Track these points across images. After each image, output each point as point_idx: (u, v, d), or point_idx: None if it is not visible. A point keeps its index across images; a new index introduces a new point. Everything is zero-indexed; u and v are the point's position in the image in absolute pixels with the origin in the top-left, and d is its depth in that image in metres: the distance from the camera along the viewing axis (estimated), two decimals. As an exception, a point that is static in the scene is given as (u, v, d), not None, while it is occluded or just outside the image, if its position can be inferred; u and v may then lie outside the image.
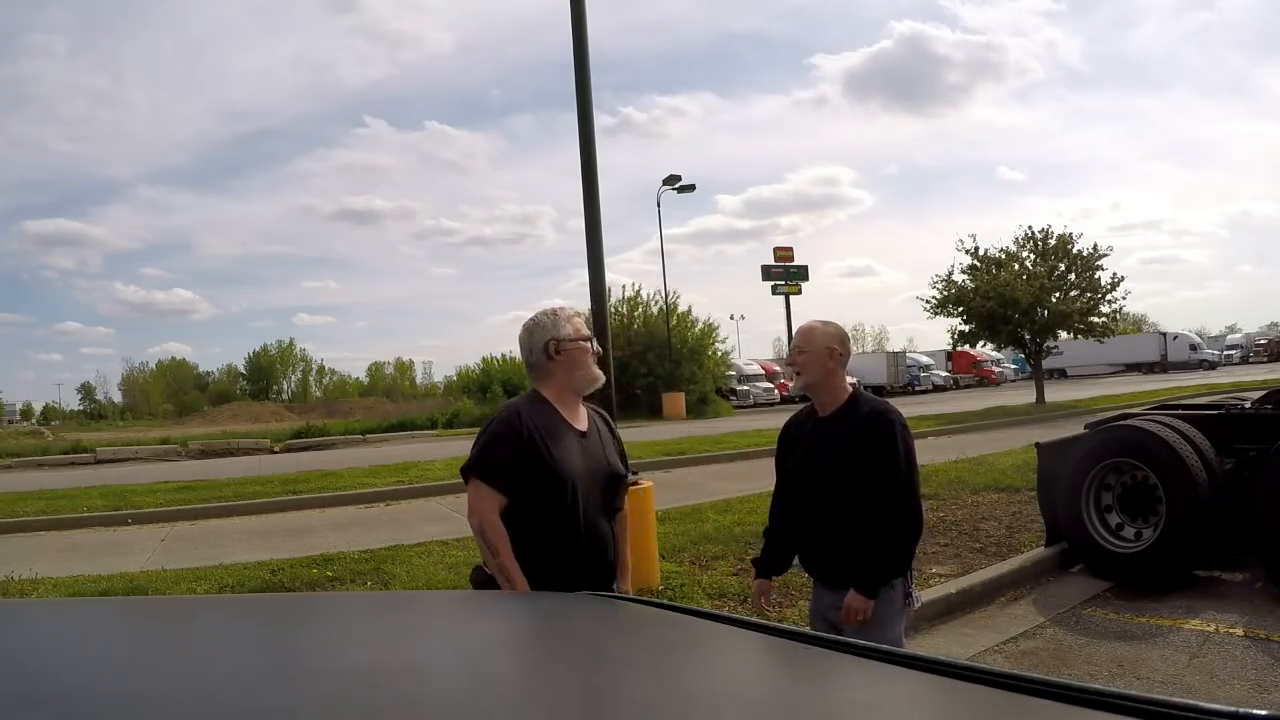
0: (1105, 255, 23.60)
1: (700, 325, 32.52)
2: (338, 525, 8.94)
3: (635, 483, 5.43)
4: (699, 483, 10.77)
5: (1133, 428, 5.48)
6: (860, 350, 76.26)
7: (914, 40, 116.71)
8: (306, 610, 1.40)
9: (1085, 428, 6.06)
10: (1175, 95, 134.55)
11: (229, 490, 11.44)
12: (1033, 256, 24.05)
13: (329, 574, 6.08)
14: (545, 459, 2.19)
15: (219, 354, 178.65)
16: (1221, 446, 5.30)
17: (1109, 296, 23.38)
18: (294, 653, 0.95)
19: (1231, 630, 4.35)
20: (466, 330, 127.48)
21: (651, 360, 30.12)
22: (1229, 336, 58.15)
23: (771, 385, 37.33)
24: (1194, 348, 48.04)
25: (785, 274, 32.54)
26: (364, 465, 13.89)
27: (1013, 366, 47.83)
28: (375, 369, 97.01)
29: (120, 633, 1.08)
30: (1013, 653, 4.34)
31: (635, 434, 17.95)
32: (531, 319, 2.39)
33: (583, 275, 5.98)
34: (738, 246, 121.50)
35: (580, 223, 5.86)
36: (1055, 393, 25.77)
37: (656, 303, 31.93)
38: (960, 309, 23.84)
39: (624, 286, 32.90)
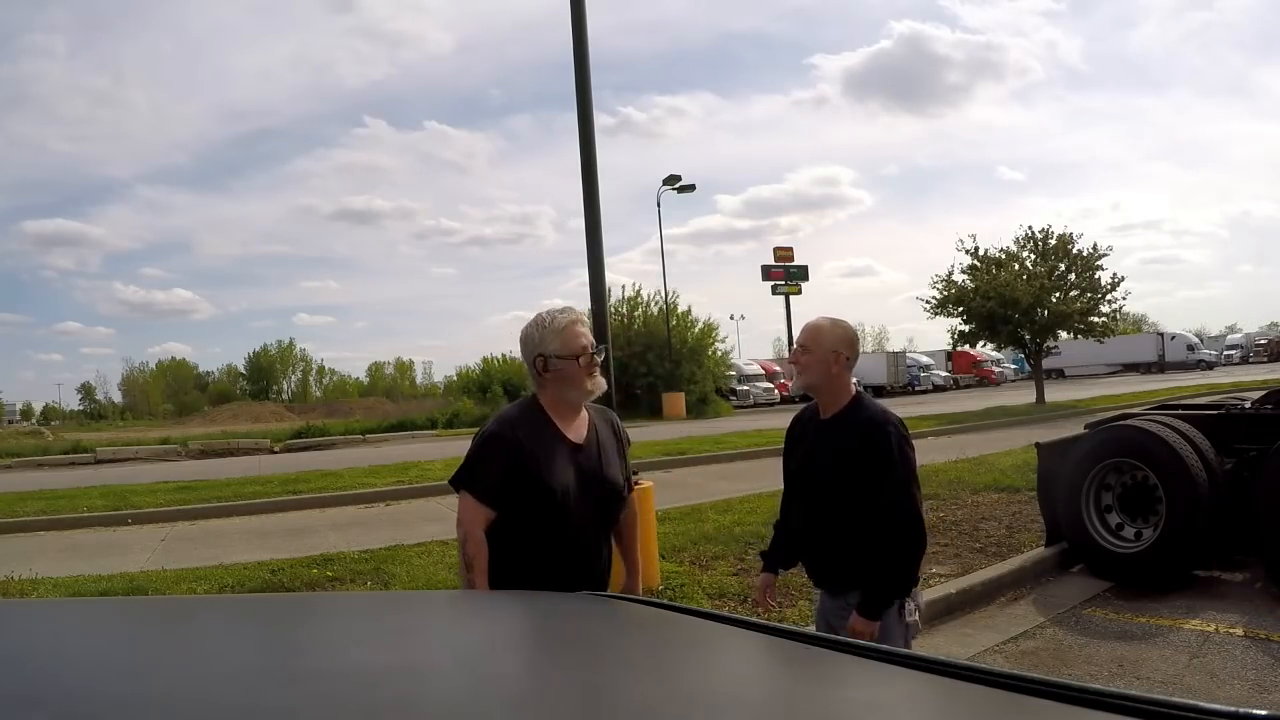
0: (1105, 255, 23.64)
1: (700, 325, 32.54)
2: (338, 525, 8.94)
3: (636, 483, 5.43)
4: (699, 483, 10.77)
5: (1133, 428, 5.48)
6: (860, 350, 76.28)
7: (914, 40, 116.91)
8: (306, 610, 1.40)
9: (1085, 428, 6.05)
10: (1175, 95, 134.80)
11: (229, 490, 11.43)
12: (1033, 256, 24.05)
13: (329, 574, 6.08)
14: (534, 473, 2.14)
15: (219, 354, 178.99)
16: (1221, 446, 5.29)
17: (1109, 296, 23.39)
18: (294, 653, 0.95)
19: (1231, 630, 4.35)
20: (466, 330, 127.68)
21: (651, 360, 30.12)
22: (1229, 336, 58.18)
23: (771, 385, 37.33)
24: (1191, 348, 48.11)
25: (785, 274, 32.55)
26: (364, 465, 13.89)
27: (1012, 366, 47.85)
28: (375, 369, 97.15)
29: (120, 633, 1.08)
30: (1013, 653, 4.34)
31: (635, 434, 17.79)
32: (525, 328, 2.29)
33: (583, 275, 5.99)
34: (737, 246, 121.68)
35: (580, 223, 5.87)
36: (1055, 393, 25.77)
37: (656, 303, 31.95)
38: (960, 309, 23.85)
39: (624, 286, 32.95)
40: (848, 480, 2.39)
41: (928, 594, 4.99)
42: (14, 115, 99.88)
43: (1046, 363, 26.06)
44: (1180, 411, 5.92)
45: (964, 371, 46.98)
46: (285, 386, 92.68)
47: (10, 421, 61.77)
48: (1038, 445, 6.19)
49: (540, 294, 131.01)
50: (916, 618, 2.44)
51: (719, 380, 33.56)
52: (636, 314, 31.87)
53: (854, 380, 2.60)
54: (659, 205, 30.23)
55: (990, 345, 27.78)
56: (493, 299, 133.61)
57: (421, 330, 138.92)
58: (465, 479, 2.19)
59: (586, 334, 2.27)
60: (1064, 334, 25.23)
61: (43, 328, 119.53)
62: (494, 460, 2.17)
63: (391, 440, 23.73)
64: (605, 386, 2.33)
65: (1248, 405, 5.91)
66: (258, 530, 8.90)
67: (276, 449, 22.18)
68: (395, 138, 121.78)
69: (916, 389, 42.87)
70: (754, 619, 1.14)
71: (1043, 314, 23.15)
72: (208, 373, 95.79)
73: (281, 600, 2.60)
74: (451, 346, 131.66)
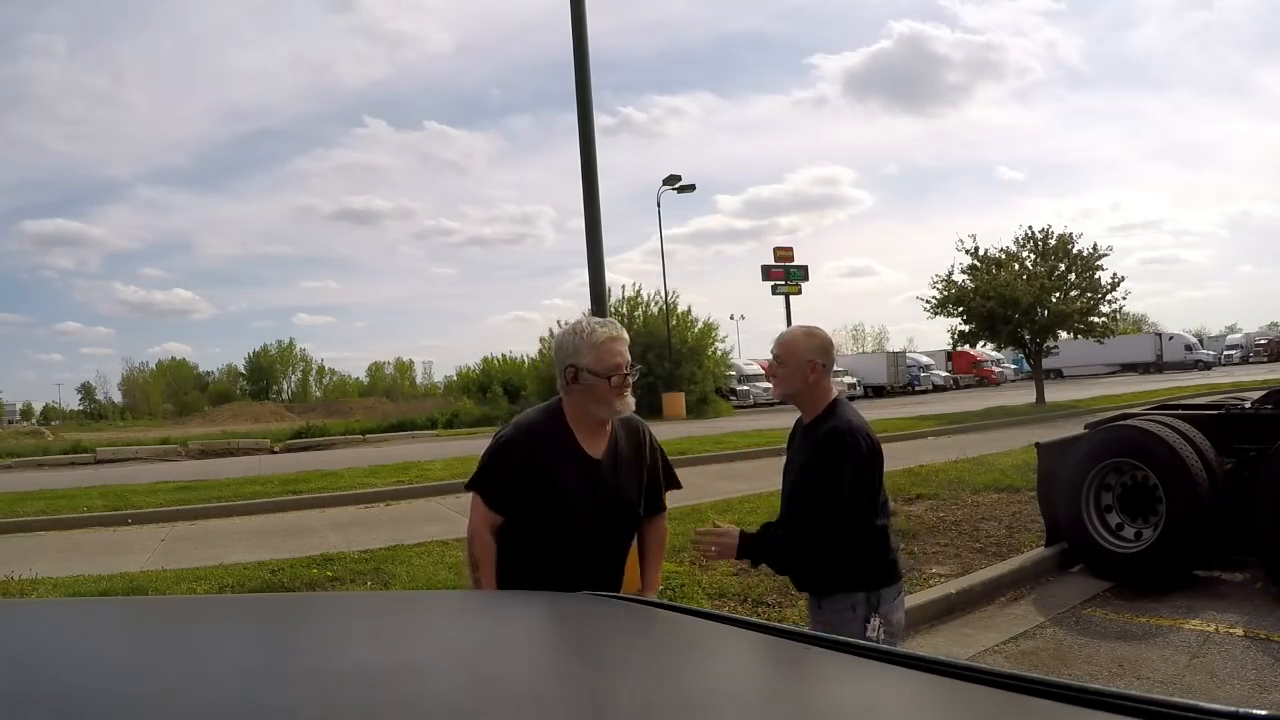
0: (1105, 255, 23.62)
1: (700, 325, 32.55)
2: (338, 525, 8.94)
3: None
4: (699, 483, 10.75)
5: (1133, 428, 5.48)
6: (860, 350, 76.37)
7: (913, 40, 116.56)
8: (306, 610, 1.40)
9: (1085, 428, 6.06)
10: (1175, 95, 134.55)
11: (229, 490, 11.43)
12: (1033, 256, 24.05)
13: (329, 574, 6.07)
14: (543, 483, 2.13)
15: (219, 354, 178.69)
16: (1221, 446, 5.30)
17: (1109, 296, 23.38)
18: (294, 653, 0.95)
19: (1231, 630, 4.35)
20: (466, 330, 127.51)
21: (651, 360, 30.09)
22: (1229, 336, 58.18)
23: (772, 385, 37.26)
24: (1189, 348, 48.24)
25: (785, 274, 32.57)
26: (364, 465, 13.87)
27: (1012, 366, 47.89)
28: (375, 369, 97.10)
29: (120, 633, 1.08)
30: (1013, 653, 4.34)
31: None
32: (563, 330, 2.26)
33: (583, 275, 5.99)
34: (737, 246, 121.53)
35: (580, 223, 5.86)
36: (1054, 393, 25.77)
37: (656, 303, 31.96)
38: (960, 309, 23.84)
39: (624, 286, 32.93)
40: (806, 488, 2.43)
41: (928, 594, 4.99)
42: (14, 115, 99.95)
43: (1044, 363, 26.08)
44: (1180, 411, 5.92)
45: (964, 371, 47.00)
46: (285, 386, 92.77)
47: (10, 421, 61.81)
48: (1038, 445, 6.19)
49: (540, 294, 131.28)
50: (880, 635, 2.38)
51: (719, 380, 33.57)
52: (636, 314, 31.88)
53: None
54: (659, 205, 30.30)
55: (990, 345, 27.78)
56: (493, 299, 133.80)
57: (421, 330, 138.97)
58: (477, 482, 2.22)
59: (624, 353, 2.20)
60: (1064, 334, 25.24)
61: (43, 328, 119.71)
62: (505, 467, 2.18)
63: (391, 440, 23.71)
64: (633, 407, 2.25)
65: (1248, 405, 5.91)
66: (258, 530, 8.90)
67: (276, 449, 22.19)
68: (395, 138, 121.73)
69: (916, 389, 42.88)
70: (754, 619, 1.14)
71: (1043, 314, 23.15)
72: (208, 373, 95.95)
73: (281, 600, 2.61)
74: (451, 346, 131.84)
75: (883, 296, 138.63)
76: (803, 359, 2.47)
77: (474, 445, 9.05)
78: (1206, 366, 45.66)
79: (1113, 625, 4.62)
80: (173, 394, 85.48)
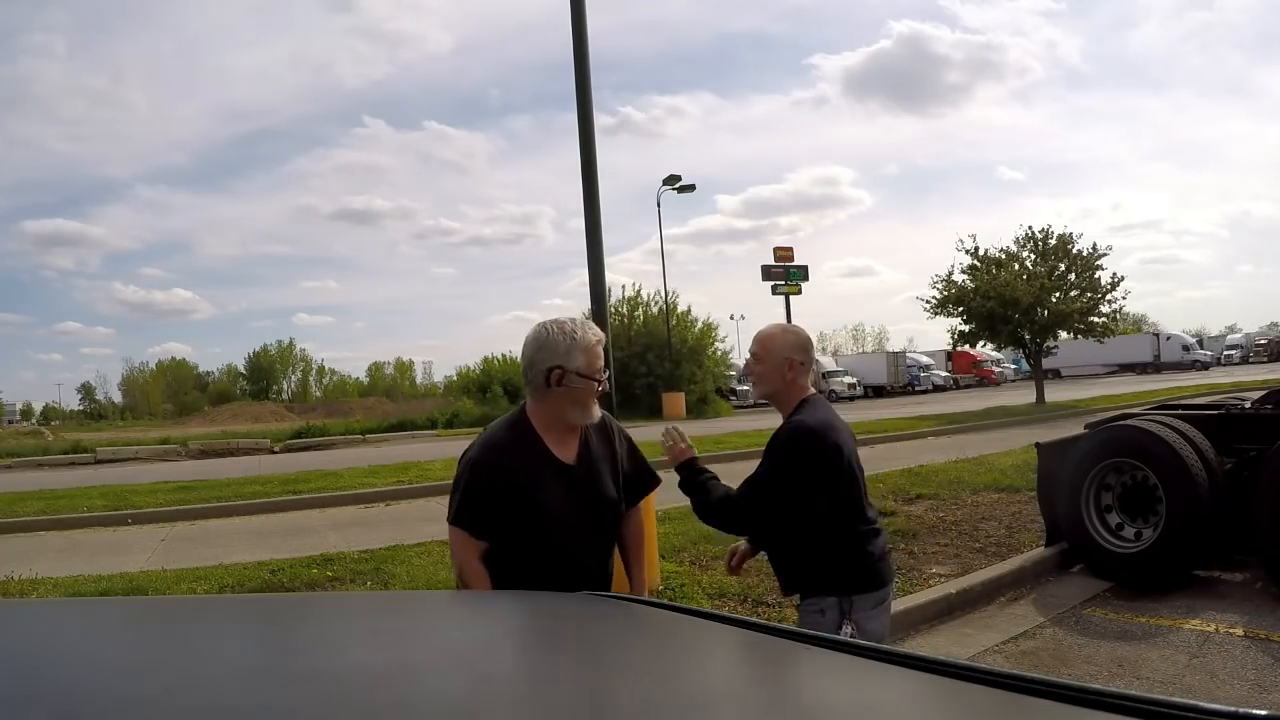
0: (1105, 255, 23.64)
1: (700, 325, 32.58)
2: (338, 525, 8.94)
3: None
4: (699, 483, 10.75)
5: (1133, 428, 5.48)
6: (860, 350, 76.41)
7: (913, 40, 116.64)
8: (306, 610, 1.40)
9: (1085, 428, 6.06)
10: (1175, 95, 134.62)
11: (229, 490, 11.43)
12: (1033, 256, 24.06)
13: (329, 574, 6.08)
14: (523, 500, 2.06)
15: (219, 354, 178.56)
16: (1221, 446, 5.30)
17: (1109, 296, 23.40)
18: (294, 653, 0.95)
19: (1231, 630, 4.35)
20: (466, 330, 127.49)
21: (651, 360, 30.14)
22: (1229, 336, 58.20)
23: (750, 384, 37.23)
24: (1186, 348, 48.44)
25: (785, 274, 32.52)
26: (364, 465, 13.89)
27: (1012, 366, 47.92)
28: (375, 369, 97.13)
29: (120, 633, 1.08)
30: (1013, 653, 4.34)
31: (635, 434, 17.81)
32: (544, 330, 2.11)
33: (583, 275, 5.99)
34: (737, 246, 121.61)
35: (580, 223, 5.86)
36: (1054, 393, 25.78)
37: (656, 303, 31.99)
38: (960, 309, 23.85)
39: (624, 286, 33.00)
40: (752, 480, 2.42)
41: (928, 594, 4.99)
42: (13, 115, 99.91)
43: (1042, 363, 26.10)
44: (1180, 411, 5.92)
45: (964, 371, 47.02)
46: (285, 386, 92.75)
47: (10, 421, 61.82)
48: (1038, 445, 6.19)
49: (540, 294, 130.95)
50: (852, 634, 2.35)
51: (719, 380, 33.60)
52: (636, 314, 31.91)
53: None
54: (659, 205, 30.27)
55: (990, 345, 27.78)
56: (493, 299, 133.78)
57: (421, 330, 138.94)
58: (455, 515, 2.11)
59: (602, 362, 2.16)
60: (1064, 334, 25.25)
61: (43, 328, 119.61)
62: (482, 493, 2.08)
63: (391, 440, 23.74)
64: (599, 417, 2.21)
65: (1248, 405, 5.91)
66: (258, 530, 8.90)
67: (276, 449, 22.19)
68: (395, 138, 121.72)
69: (916, 389, 42.90)
70: (754, 619, 1.14)
71: (1043, 314, 23.16)
72: (208, 373, 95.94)
73: (281, 600, 2.61)
74: (451, 346, 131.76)
75: (883, 296, 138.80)
76: (780, 356, 2.44)
77: (474, 445, 9.07)
78: (1204, 367, 45.77)
79: (1113, 625, 4.62)
80: (173, 394, 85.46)
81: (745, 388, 36.37)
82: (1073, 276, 23.63)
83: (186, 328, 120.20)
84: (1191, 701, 0.63)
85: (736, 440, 15.43)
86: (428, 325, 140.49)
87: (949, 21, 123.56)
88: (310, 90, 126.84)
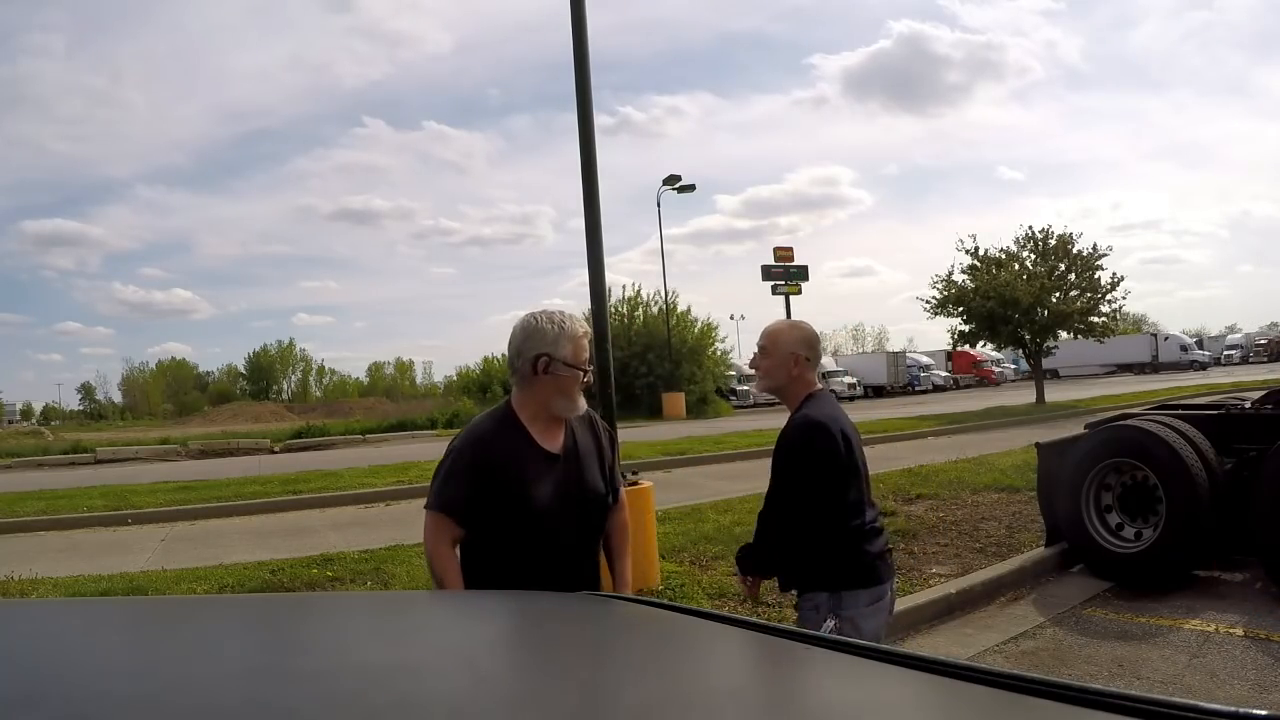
0: (1105, 255, 23.68)
1: (700, 325, 32.58)
2: (338, 525, 8.94)
3: (635, 483, 5.43)
4: (699, 483, 10.77)
5: (1133, 428, 5.48)
6: (860, 350, 76.40)
7: (913, 40, 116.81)
8: (306, 610, 1.40)
9: (1085, 428, 6.06)
10: (1175, 95, 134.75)
11: (229, 490, 11.44)
12: (1033, 256, 24.08)
13: (329, 574, 6.08)
14: (508, 489, 2.04)
15: (219, 354, 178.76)
16: (1221, 446, 5.30)
17: (1109, 296, 23.43)
18: (294, 653, 0.95)
19: (1231, 630, 4.35)
20: (466, 330, 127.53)
21: (651, 360, 30.14)
22: (1229, 336, 58.22)
23: (756, 379, 37.20)
24: (1184, 349, 48.66)
25: (785, 274, 32.49)
26: (364, 465, 13.89)
27: (1012, 366, 47.95)
28: (375, 369, 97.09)
29: (120, 633, 1.08)
30: (1013, 653, 4.34)
31: (635, 434, 17.95)
32: (532, 320, 2.13)
33: (582, 275, 5.99)
34: (737, 246, 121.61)
35: (579, 223, 5.86)
36: (1054, 393, 25.78)
37: (656, 303, 32.01)
38: (960, 309, 23.87)
39: (624, 286, 33.03)
40: (772, 482, 2.46)
41: (928, 594, 4.99)
42: (12, 115, 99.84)
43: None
44: (1180, 411, 5.92)
45: (964, 371, 47.04)
46: (285, 386, 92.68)
47: (10, 421, 61.75)
48: (1038, 445, 6.19)
49: (540, 294, 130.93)
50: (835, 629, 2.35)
51: (719, 380, 33.60)
52: (636, 314, 31.91)
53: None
54: (659, 205, 30.27)
55: (990, 345, 27.79)
56: (493, 299, 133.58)
57: (421, 330, 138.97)
58: (439, 501, 2.09)
59: (588, 353, 2.19)
60: (1064, 334, 25.26)
61: (43, 328, 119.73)
62: (466, 477, 2.07)
63: (391, 440, 23.74)
64: (583, 410, 2.21)
65: (1248, 405, 5.91)
66: (258, 530, 8.91)
67: (276, 449, 22.18)
68: (394, 138, 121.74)
69: (916, 389, 42.90)
70: (754, 619, 1.14)
71: (1043, 314, 23.18)
72: (208, 373, 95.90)
73: (281, 600, 2.60)
74: (451, 346, 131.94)
75: (883, 296, 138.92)
76: (786, 350, 2.46)
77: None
78: (1201, 367, 45.89)
79: (1113, 625, 4.62)
80: (173, 394, 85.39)
81: (745, 388, 36.40)
82: (1073, 276, 23.65)
83: (186, 328, 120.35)
84: (1191, 701, 0.63)
85: (736, 440, 15.44)
86: (428, 325, 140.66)
87: (949, 21, 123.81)
88: (309, 90, 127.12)
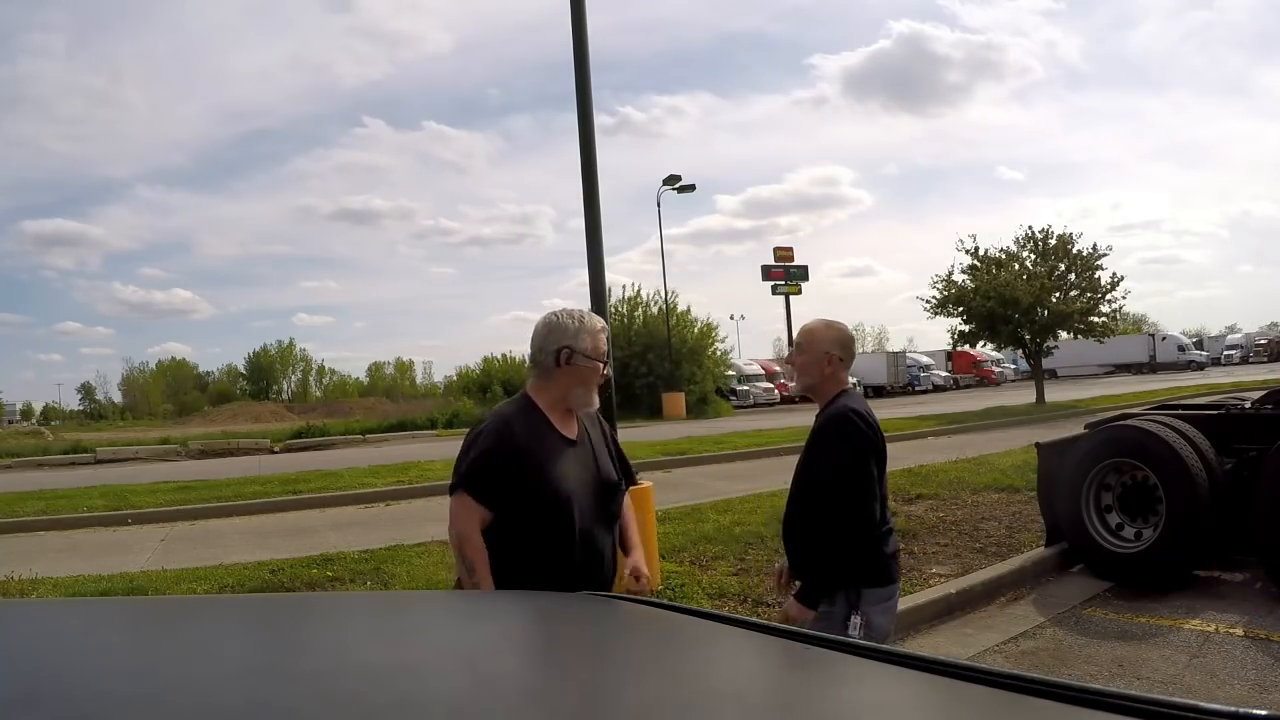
0: (1105, 255, 23.68)
1: (700, 325, 32.57)
2: (338, 525, 8.94)
3: (636, 483, 5.42)
4: (699, 483, 10.77)
5: (1133, 428, 5.48)
6: (860, 350, 76.36)
7: (913, 40, 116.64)
8: (306, 610, 1.40)
9: (1085, 428, 6.06)
10: (1175, 95, 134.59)
11: (229, 490, 11.44)
12: (1033, 256, 24.08)
13: (329, 574, 6.08)
14: (539, 474, 2.10)
15: (219, 354, 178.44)
16: (1221, 446, 5.30)
17: (1109, 296, 23.43)
18: (294, 653, 0.95)
19: (1231, 630, 4.35)
20: (466, 330, 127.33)
21: (651, 360, 30.14)
22: (1229, 336, 58.23)
23: (771, 385, 37.32)
24: (1182, 349, 48.86)
25: (785, 274, 32.62)
26: (364, 465, 13.89)
27: (1012, 366, 47.97)
28: (375, 369, 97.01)
29: (120, 633, 1.08)
30: (1013, 653, 4.34)
31: (635, 434, 17.94)
32: (554, 316, 2.25)
33: (582, 275, 5.98)
34: (737, 246, 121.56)
35: (579, 223, 5.86)
36: (1053, 393, 25.78)
37: (656, 303, 31.99)
38: (960, 309, 23.87)
39: (624, 286, 33.02)
40: (804, 473, 2.48)
41: (928, 594, 4.99)
42: (12, 115, 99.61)
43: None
44: (1180, 411, 5.92)
45: (964, 371, 47.06)
46: (285, 386, 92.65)
47: (10, 421, 61.76)
48: (1038, 445, 6.19)
49: (540, 294, 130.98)
50: (860, 636, 2.29)
51: (719, 380, 33.59)
52: (636, 314, 31.90)
53: (853, 381, 2.65)
54: (659, 205, 30.27)
55: (990, 345, 27.79)
56: (493, 299, 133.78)
57: (421, 330, 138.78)
58: (467, 481, 2.12)
59: (606, 348, 2.29)
60: (1064, 334, 25.27)
61: (43, 328, 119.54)
62: (496, 461, 2.10)
63: (391, 440, 23.74)
64: (598, 405, 2.32)
65: (1248, 405, 5.91)
66: (258, 530, 8.91)
67: (276, 449, 22.19)
68: (394, 138, 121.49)
69: (916, 389, 42.91)
70: (754, 619, 1.14)
71: (1043, 314, 23.18)
72: (208, 373, 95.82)
73: (281, 600, 2.60)
74: (451, 346, 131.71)
75: (882, 296, 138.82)
76: (820, 349, 2.51)
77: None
78: (1199, 367, 46.01)
79: (1113, 625, 4.62)
80: (173, 394, 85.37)
81: (745, 388, 36.42)
82: (1073, 276, 23.66)
83: (186, 328, 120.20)
84: (1191, 701, 0.63)
85: (737, 440, 15.44)
86: (428, 325, 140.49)
87: (948, 21, 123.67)
88: (309, 90, 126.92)
